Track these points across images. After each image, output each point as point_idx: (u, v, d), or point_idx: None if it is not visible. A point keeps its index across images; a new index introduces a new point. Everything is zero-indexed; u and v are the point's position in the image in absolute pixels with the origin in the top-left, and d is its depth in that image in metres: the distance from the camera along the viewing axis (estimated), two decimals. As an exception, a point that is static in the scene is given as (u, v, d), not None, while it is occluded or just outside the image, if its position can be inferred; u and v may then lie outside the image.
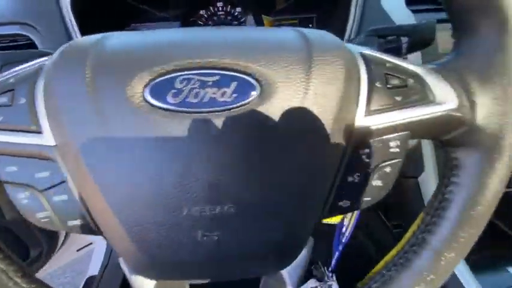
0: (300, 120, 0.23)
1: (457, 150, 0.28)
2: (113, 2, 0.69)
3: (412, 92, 0.26)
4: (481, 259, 0.68)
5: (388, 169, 0.26)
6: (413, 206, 0.61)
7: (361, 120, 0.25)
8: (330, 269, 0.74)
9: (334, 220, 0.60)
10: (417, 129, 0.26)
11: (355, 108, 0.25)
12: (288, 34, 0.25)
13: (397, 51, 0.39)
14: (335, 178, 0.25)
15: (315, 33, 0.26)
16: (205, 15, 0.70)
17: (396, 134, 0.26)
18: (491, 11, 0.25)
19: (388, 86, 0.25)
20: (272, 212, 0.23)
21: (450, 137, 0.27)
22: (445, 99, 0.26)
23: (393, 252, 0.30)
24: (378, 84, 0.25)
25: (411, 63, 0.27)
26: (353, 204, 0.26)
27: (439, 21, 0.41)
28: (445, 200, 0.28)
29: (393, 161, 0.26)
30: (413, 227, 0.31)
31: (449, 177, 0.28)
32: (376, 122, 0.25)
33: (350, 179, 0.26)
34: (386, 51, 0.39)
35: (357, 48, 0.27)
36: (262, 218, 0.23)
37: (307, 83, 0.23)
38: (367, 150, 0.26)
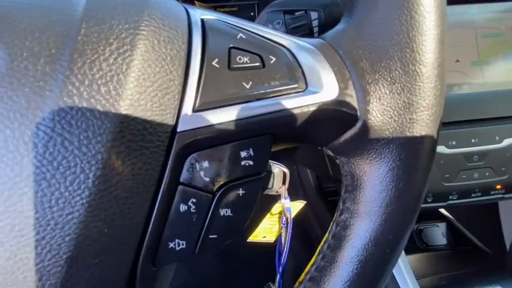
0: (72, 118, 0.14)
1: (350, 162, 0.19)
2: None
3: (271, 75, 0.17)
4: (444, 279, 0.61)
5: (240, 191, 0.18)
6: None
7: (188, 118, 0.16)
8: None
9: (269, 239, 0.51)
10: (281, 131, 0.18)
11: (177, 101, 0.16)
12: None
13: (308, 30, 0.30)
14: (152, 208, 0.16)
15: None
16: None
17: (247, 139, 0.17)
18: None
19: (232, 66, 0.17)
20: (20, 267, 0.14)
21: (338, 143, 0.19)
22: (321, 86, 0.18)
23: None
24: (215, 64, 0.17)
25: (282, 34, 0.19)
26: (191, 244, 0.18)
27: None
28: (336, 236, 0.19)
29: (247, 179, 0.18)
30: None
31: (344, 201, 0.20)
32: (212, 120, 0.16)
33: (183, 208, 0.17)
34: (294, 30, 0.30)
35: (201, 14, 0.19)
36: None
37: (71, 60, 0.14)
38: (204, 164, 0.17)
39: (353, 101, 0.17)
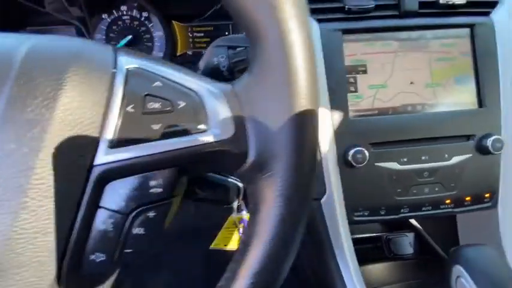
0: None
1: (250, 188, 0.23)
2: (6, 2, 0.63)
3: (179, 118, 0.21)
4: (403, 287, 0.64)
5: (151, 213, 0.21)
6: (319, 229, 0.56)
7: (104, 155, 0.20)
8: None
9: (231, 247, 0.55)
10: (186, 164, 0.21)
11: (96, 141, 0.20)
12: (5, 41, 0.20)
13: (248, 64, 0.34)
14: (72, 227, 0.20)
15: (55, 41, 0.21)
16: (109, 20, 0.65)
17: (156, 172, 0.21)
18: (267, 11, 0.20)
19: (144, 111, 0.20)
20: None
21: (240, 173, 0.23)
22: (219, 128, 0.21)
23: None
24: (130, 109, 0.20)
25: (196, 80, 0.22)
26: (109, 257, 0.21)
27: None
28: (241, 251, 0.23)
29: (157, 204, 0.21)
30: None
31: (248, 223, 0.23)
32: (124, 156, 0.20)
33: (101, 227, 0.21)
34: (236, 63, 0.34)
35: (127, 63, 0.22)
36: None
37: (5, 109, 0.18)
38: (120, 191, 0.20)
39: (245, 140, 0.21)
